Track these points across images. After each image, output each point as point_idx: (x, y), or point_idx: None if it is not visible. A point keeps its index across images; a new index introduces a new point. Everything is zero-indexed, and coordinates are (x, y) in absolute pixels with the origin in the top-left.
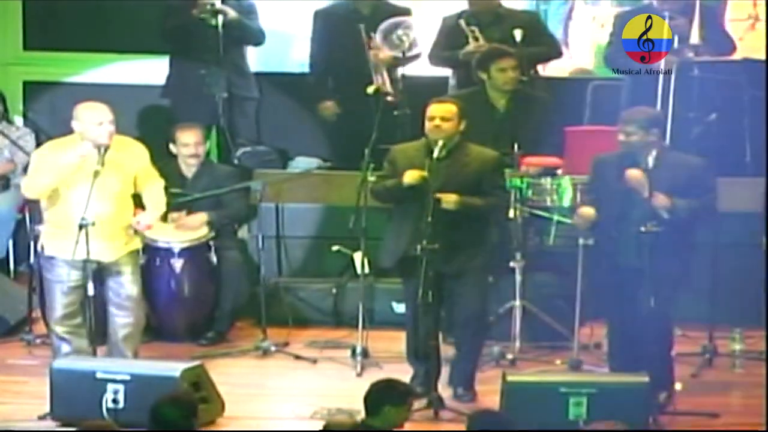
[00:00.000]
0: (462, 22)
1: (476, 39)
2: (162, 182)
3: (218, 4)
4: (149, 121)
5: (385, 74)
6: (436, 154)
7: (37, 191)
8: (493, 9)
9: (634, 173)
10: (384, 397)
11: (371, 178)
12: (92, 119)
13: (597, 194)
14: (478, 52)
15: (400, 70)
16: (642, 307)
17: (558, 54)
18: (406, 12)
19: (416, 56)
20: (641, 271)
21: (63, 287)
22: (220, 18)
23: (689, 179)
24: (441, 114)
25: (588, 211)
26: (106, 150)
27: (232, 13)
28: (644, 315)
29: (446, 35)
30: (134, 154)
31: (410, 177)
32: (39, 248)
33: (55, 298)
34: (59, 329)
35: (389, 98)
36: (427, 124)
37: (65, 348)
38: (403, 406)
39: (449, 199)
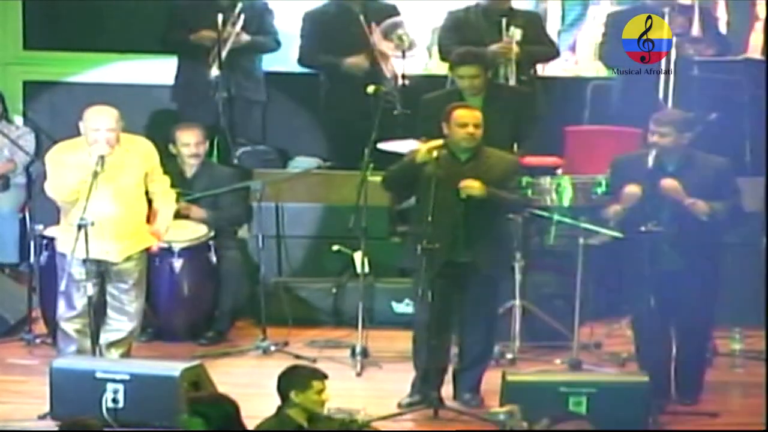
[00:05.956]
0: (503, 21)
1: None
2: (172, 194)
3: (226, 35)
4: (151, 122)
5: (390, 63)
6: (436, 154)
7: (65, 192)
8: (503, 7)
9: (669, 183)
10: (287, 384)
11: (371, 178)
12: (91, 125)
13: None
14: (503, 51)
15: (402, 69)
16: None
17: (555, 55)
18: (393, 9)
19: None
20: (670, 272)
21: (79, 285)
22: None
23: (716, 180)
24: (474, 121)
25: (634, 188)
26: (102, 159)
27: (244, 37)
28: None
29: (454, 29)
30: (144, 153)
31: (422, 155)
32: (56, 246)
33: (71, 295)
34: (71, 327)
35: (389, 95)
36: (458, 131)
37: (72, 348)
38: (307, 390)
39: (473, 185)
